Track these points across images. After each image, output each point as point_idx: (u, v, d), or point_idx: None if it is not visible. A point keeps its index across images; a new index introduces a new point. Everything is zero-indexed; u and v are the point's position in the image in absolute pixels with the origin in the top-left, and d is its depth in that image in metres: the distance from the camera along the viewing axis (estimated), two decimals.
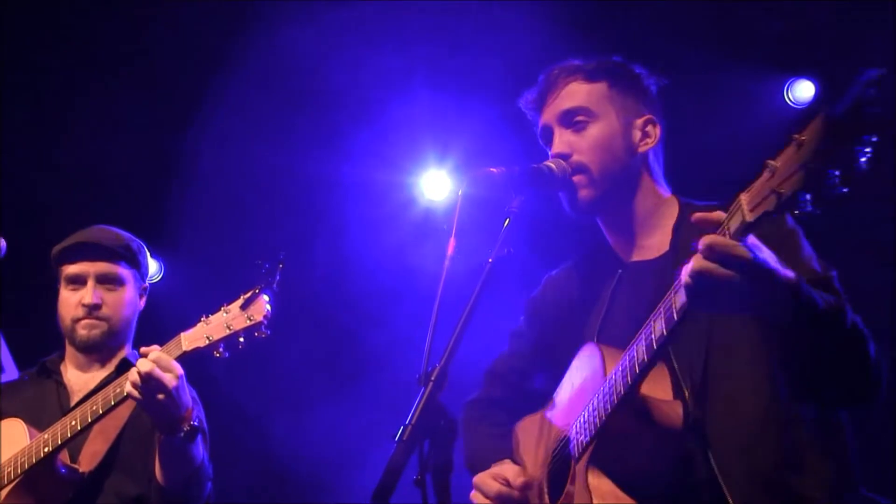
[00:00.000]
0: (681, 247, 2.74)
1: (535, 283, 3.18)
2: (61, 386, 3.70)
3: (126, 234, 3.78)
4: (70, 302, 3.68)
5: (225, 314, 3.14)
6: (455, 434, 2.23)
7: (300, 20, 5.36)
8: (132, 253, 3.72)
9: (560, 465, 2.70)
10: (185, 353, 3.16)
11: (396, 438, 2.18)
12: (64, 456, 3.42)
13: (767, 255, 2.21)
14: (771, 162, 2.03)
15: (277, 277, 3.10)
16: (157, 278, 5.99)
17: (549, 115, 2.89)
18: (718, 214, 2.18)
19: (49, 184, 5.72)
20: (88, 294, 3.64)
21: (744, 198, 2.10)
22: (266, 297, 3.11)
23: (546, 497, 2.72)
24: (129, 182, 5.76)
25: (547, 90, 2.90)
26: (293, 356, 5.92)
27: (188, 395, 3.22)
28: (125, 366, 3.52)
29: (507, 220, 2.57)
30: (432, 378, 2.25)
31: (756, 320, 2.39)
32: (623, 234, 2.89)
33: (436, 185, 5.95)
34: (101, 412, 3.29)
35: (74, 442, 3.42)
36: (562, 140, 2.83)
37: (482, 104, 5.44)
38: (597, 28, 5.30)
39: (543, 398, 2.97)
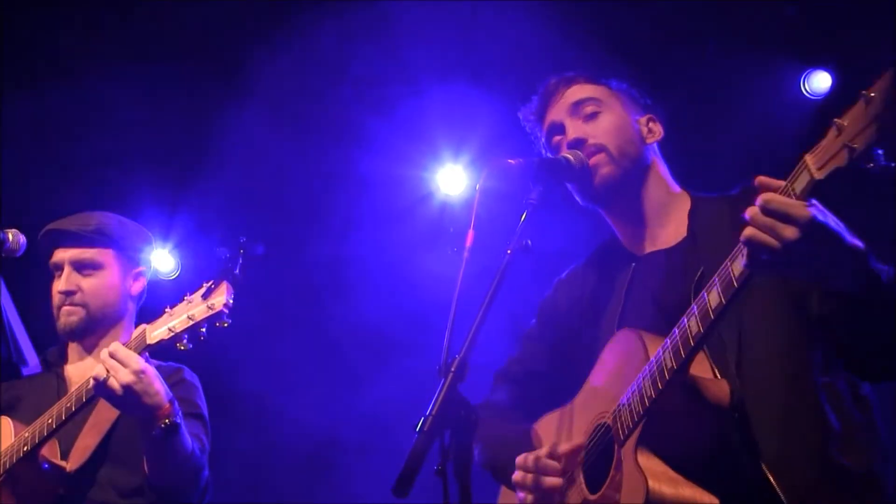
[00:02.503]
0: (699, 234, 2.75)
1: (553, 274, 3.17)
2: (60, 378, 3.67)
3: (105, 220, 3.71)
4: (53, 290, 3.65)
5: (188, 304, 3.05)
6: (476, 424, 2.24)
7: (321, 18, 5.38)
8: (107, 236, 3.65)
9: (597, 454, 2.66)
10: (149, 346, 3.11)
11: (417, 429, 2.19)
12: (49, 452, 3.38)
13: (833, 220, 2.18)
14: (838, 120, 2.03)
15: (240, 263, 2.99)
16: (174, 275, 6.00)
17: (557, 113, 2.92)
18: (776, 181, 2.16)
19: (69, 177, 5.73)
20: (63, 281, 3.60)
21: (809, 158, 2.09)
22: (227, 286, 3.00)
23: (584, 488, 2.67)
24: (151, 175, 5.78)
25: (549, 95, 2.95)
26: (309, 343, 5.95)
27: (162, 391, 3.13)
28: None
29: (525, 211, 2.58)
30: (452, 369, 2.26)
31: (795, 295, 2.41)
32: (634, 226, 2.90)
33: (452, 179, 5.96)
34: (73, 409, 3.26)
35: (68, 436, 3.40)
36: (575, 129, 2.86)
37: (498, 98, 5.45)
38: (611, 21, 5.29)
39: (556, 400, 2.94)
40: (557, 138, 2.91)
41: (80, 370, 3.66)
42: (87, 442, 3.42)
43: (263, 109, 5.65)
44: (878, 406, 2.59)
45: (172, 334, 3.05)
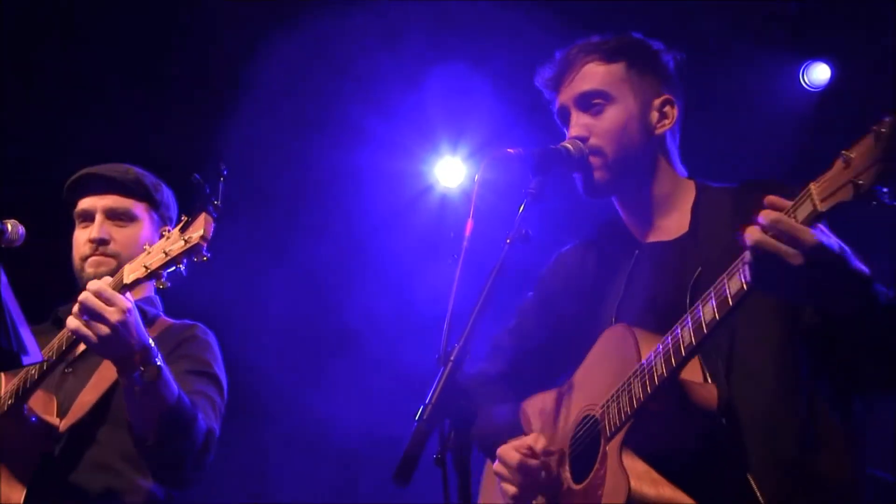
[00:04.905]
0: (700, 228, 2.74)
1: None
2: None
3: (142, 172, 3.51)
4: (80, 240, 3.41)
5: (166, 240, 2.85)
6: (475, 413, 2.25)
7: (321, 13, 5.38)
8: (145, 188, 3.45)
9: (584, 445, 2.68)
10: (125, 285, 2.90)
11: (416, 418, 2.19)
12: (43, 408, 3.16)
13: (836, 244, 2.20)
14: (846, 152, 2.03)
15: (220, 193, 2.77)
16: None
17: (565, 97, 2.88)
18: (784, 202, 2.17)
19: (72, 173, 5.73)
20: (96, 228, 3.35)
21: (814, 187, 2.11)
22: (206, 217, 2.78)
23: (568, 475, 2.70)
24: (151, 169, 5.78)
25: (564, 70, 2.89)
26: (310, 337, 5.96)
27: (144, 333, 2.92)
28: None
29: (525, 201, 2.58)
30: (451, 358, 2.27)
31: (793, 309, 2.44)
32: (639, 214, 2.89)
33: (451, 172, 5.97)
34: (54, 358, 3.03)
35: (70, 393, 3.24)
36: (579, 123, 2.83)
37: (495, 90, 5.45)
38: (609, 12, 5.29)
39: (550, 375, 2.97)
40: (564, 121, 2.90)
41: None
42: (86, 398, 3.23)
43: (262, 105, 5.65)
44: (864, 415, 2.61)
45: (148, 272, 2.87)
